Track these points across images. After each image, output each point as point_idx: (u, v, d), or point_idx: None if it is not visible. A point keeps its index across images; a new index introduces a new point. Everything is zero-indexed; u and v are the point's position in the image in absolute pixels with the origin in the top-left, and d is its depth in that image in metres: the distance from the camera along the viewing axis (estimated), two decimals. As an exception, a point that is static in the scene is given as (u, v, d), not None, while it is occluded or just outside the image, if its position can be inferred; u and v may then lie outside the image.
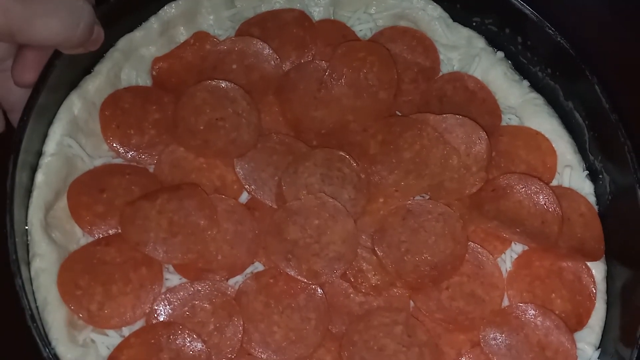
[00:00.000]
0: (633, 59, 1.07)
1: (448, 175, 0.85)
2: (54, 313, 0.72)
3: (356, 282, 0.80)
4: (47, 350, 0.67)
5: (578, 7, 1.10)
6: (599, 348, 0.81)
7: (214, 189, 0.83)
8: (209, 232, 0.79)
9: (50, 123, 0.80)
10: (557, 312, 0.80)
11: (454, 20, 0.96)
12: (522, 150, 0.89)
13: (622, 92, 1.00)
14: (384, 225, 0.82)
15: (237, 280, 0.79)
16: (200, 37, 0.91)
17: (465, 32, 0.96)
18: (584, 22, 1.07)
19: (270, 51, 0.90)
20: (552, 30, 0.87)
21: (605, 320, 0.82)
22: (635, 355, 0.74)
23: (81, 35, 0.71)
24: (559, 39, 0.87)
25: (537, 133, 0.90)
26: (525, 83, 0.94)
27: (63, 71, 0.79)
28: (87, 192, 0.79)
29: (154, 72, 0.89)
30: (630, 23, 1.09)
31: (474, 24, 0.96)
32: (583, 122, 0.89)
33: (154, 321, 0.75)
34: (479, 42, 0.95)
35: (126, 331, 0.75)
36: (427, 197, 0.85)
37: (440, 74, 0.94)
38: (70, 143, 0.80)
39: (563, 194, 0.86)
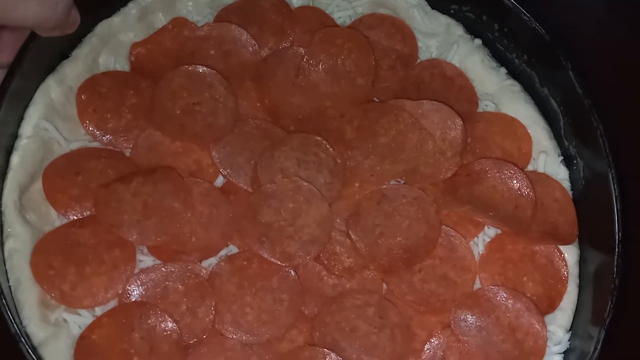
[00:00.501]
0: (631, 58, 1.07)
1: (423, 160, 0.85)
2: (26, 292, 0.73)
3: (329, 264, 0.80)
4: (14, 326, 0.68)
5: (576, 5, 1.10)
6: (570, 330, 0.81)
7: (190, 172, 0.84)
8: (184, 215, 0.79)
9: (27, 106, 0.81)
10: (528, 295, 0.80)
11: (433, 7, 0.97)
12: (497, 136, 0.89)
13: (621, 90, 1.01)
14: (358, 210, 0.82)
15: (211, 263, 0.80)
16: (179, 23, 0.92)
17: (444, 19, 0.96)
18: (582, 20, 1.08)
19: (248, 37, 0.90)
20: (528, 17, 0.87)
21: (577, 304, 0.83)
22: (603, 335, 0.74)
23: (59, 17, 0.72)
24: (534, 26, 0.87)
25: (513, 119, 0.91)
26: (503, 70, 0.94)
27: (40, 55, 0.80)
28: (62, 174, 0.80)
29: (132, 58, 0.90)
30: (628, 21, 1.09)
31: (452, 11, 0.96)
32: (558, 108, 0.90)
33: (127, 302, 0.76)
34: (457, 30, 0.96)
35: (99, 311, 0.76)
36: (402, 181, 0.86)
37: (419, 61, 0.94)
38: (47, 126, 0.81)
39: (537, 179, 0.86)
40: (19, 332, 0.67)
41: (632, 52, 1.07)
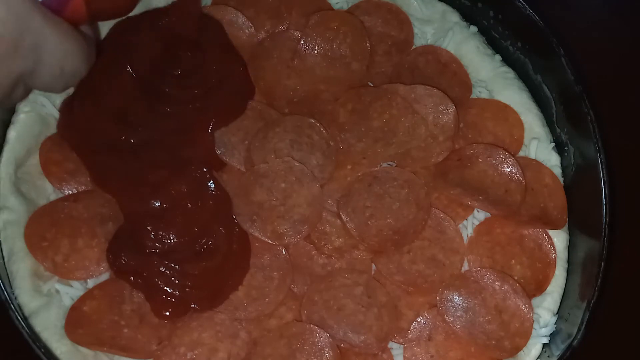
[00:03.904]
0: (624, 49, 1.08)
1: (415, 143, 0.86)
2: (18, 263, 0.75)
3: (320, 244, 0.81)
4: (4, 293, 0.69)
5: (575, 4, 1.11)
6: (557, 314, 0.82)
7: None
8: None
9: (24, 82, 0.82)
10: (516, 278, 0.81)
11: (429, -6, 0.97)
12: (490, 122, 0.90)
13: (620, 90, 1.02)
14: (350, 191, 0.83)
15: (203, 240, 0.81)
16: (177, 5, 0.93)
17: (440, 6, 0.97)
18: (582, 19, 1.08)
19: (245, 20, 0.91)
20: (522, 3, 0.88)
21: (565, 288, 0.84)
22: (587, 317, 0.75)
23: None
24: (528, 12, 0.88)
25: (506, 106, 0.91)
26: (498, 57, 0.95)
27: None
28: (58, 149, 0.81)
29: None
30: (621, 13, 1.10)
31: (448, -2, 0.97)
32: (551, 95, 0.90)
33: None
34: (453, 17, 0.96)
35: (91, 283, 0.77)
36: (394, 164, 0.86)
37: (414, 47, 0.95)
38: (44, 102, 0.82)
39: (528, 165, 0.87)
40: (7, 299, 0.69)
41: (625, 44, 1.08)
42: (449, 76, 0.93)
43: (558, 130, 0.90)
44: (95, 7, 0.67)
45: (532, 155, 0.89)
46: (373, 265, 0.82)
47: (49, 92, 0.64)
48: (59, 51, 0.61)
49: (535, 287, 0.82)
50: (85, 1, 0.66)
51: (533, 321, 0.79)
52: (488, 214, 0.85)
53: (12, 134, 0.79)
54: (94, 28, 0.70)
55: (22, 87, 0.61)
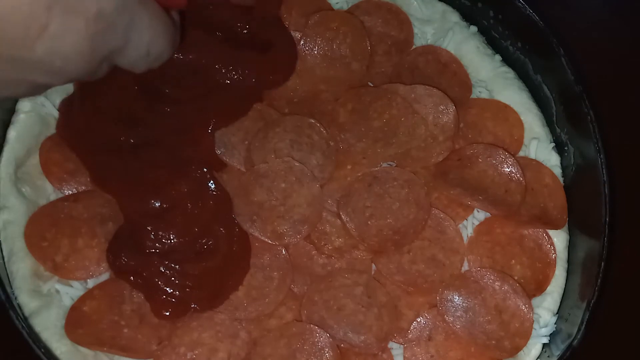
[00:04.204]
0: (625, 50, 1.08)
1: (415, 143, 0.86)
2: (18, 263, 0.75)
3: (320, 244, 0.81)
4: (4, 293, 0.69)
5: (575, 4, 1.11)
6: (557, 314, 0.82)
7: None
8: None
9: (24, 82, 0.82)
10: (516, 278, 0.81)
11: (429, -6, 0.97)
12: (490, 122, 0.90)
13: (620, 90, 1.02)
14: (350, 191, 0.83)
15: (203, 240, 0.81)
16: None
17: (440, 6, 0.97)
18: (582, 19, 1.08)
19: (245, 20, 0.91)
20: (522, 3, 0.88)
21: (565, 288, 0.84)
22: (587, 317, 0.75)
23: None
24: (528, 12, 0.88)
25: (506, 106, 0.91)
26: (498, 57, 0.95)
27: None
28: (58, 149, 0.81)
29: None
30: (626, 20, 1.10)
31: (449, -2, 0.97)
32: (551, 95, 0.90)
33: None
34: (453, 16, 0.96)
35: (91, 283, 0.77)
36: (394, 164, 0.86)
37: (414, 47, 0.95)
38: (44, 102, 0.82)
39: (528, 165, 0.87)
40: (8, 299, 0.69)
41: (625, 44, 1.08)
42: (449, 76, 0.93)
43: (558, 130, 0.90)
44: None
45: (532, 155, 0.89)
46: (373, 265, 0.82)
47: (131, 70, 0.64)
48: (149, 32, 0.60)
49: (535, 287, 0.82)
50: None
51: (533, 321, 0.79)
52: (488, 214, 0.85)
53: (12, 134, 0.80)
54: (178, 14, 0.70)
55: (107, 64, 0.60)
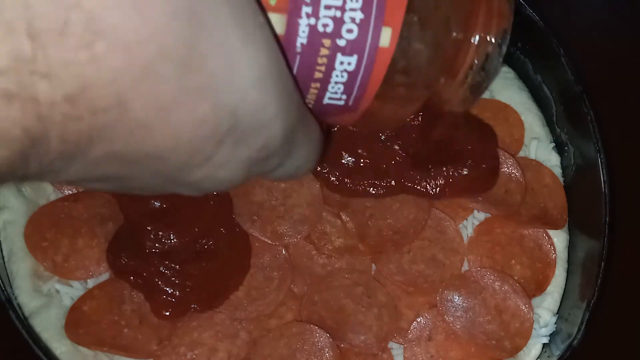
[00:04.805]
0: (625, 50, 1.08)
1: (415, 143, 0.86)
2: (18, 263, 0.74)
3: (320, 244, 0.81)
4: (4, 293, 0.69)
5: (575, 4, 1.11)
6: (557, 314, 0.82)
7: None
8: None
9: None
10: (516, 278, 0.81)
11: (429, -6, 0.97)
12: (490, 122, 0.89)
13: (620, 90, 1.02)
14: (350, 191, 0.83)
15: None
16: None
17: (440, 6, 0.97)
18: (582, 19, 1.08)
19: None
20: (522, 2, 0.88)
21: (565, 288, 0.84)
22: (587, 317, 0.75)
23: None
24: (528, 12, 0.88)
25: (506, 106, 0.91)
26: (498, 57, 0.95)
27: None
28: (58, 149, 0.81)
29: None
30: (626, 20, 1.10)
31: (448, -2, 0.97)
32: (551, 95, 0.90)
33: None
34: (453, 17, 0.96)
35: (91, 283, 0.77)
36: (394, 164, 0.86)
37: (414, 47, 0.95)
38: (44, 102, 0.82)
39: (528, 165, 0.87)
40: (8, 299, 0.69)
41: (625, 44, 1.08)
42: (449, 76, 0.93)
43: (558, 130, 0.90)
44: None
45: (532, 155, 0.89)
46: (373, 265, 0.82)
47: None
48: (302, 157, 0.52)
49: (535, 287, 0.82)
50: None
51: (533, 321, 0.79)
52: (488, 214, 0.85)
53: (12, 134, 0.79)
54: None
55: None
